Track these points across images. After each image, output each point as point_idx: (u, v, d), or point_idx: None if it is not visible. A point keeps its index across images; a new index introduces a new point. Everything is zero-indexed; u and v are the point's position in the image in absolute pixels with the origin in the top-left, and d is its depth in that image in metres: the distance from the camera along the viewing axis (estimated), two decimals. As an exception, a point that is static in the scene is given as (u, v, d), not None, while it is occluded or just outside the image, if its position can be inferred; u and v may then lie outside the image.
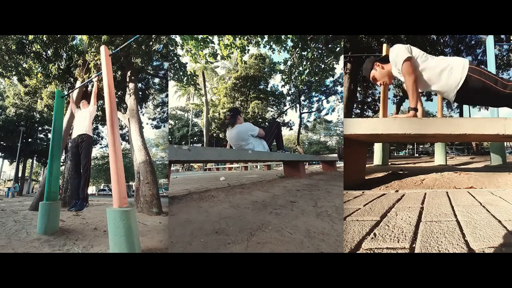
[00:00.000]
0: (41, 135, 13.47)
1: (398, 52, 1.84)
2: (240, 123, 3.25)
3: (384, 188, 2.04)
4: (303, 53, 7.16)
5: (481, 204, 1.22)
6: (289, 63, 8.06)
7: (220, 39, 6.22)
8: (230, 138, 3.23)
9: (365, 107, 15.73)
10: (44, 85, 6.36)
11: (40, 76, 6.07)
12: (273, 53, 15.95)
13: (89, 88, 6.02)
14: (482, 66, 2.03)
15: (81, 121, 2.87)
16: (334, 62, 7.48)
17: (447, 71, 1.80)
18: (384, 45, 3.08)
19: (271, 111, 20.86)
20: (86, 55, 5.41)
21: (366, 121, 1.81)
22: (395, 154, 21.45)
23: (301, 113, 19.33)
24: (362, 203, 1.32)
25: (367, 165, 2.70)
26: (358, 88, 10.84)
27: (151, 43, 6.00)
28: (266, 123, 17.35)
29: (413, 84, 1.76)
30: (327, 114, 21.76)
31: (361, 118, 1.91)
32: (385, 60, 2.01)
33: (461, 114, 15.78)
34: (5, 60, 5.97)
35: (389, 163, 4.71)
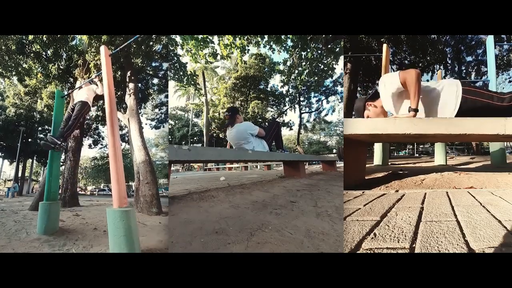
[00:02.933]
0: (41, 135, 13.46)
1: (389, 76, 1.86)
2: (239, 122, 3.25)
3: (384, 188, 2.04)
4: (302, 53, 7.16)
5: (481, 204, 1.22)
6: (288, 63, 8.06)
7: (220, 39, 6.22)
8: (230, 138, 3.23)
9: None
10: (44, 85, 6.36)
11: (40, 76, 6.07)
12: (273, 53, 15.94)
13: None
14: (482, 67, 2.04)
15: (81, 93, 2.91)
16: (334, 62, 7.49)
17: (442, 97, 1.80)
18: (384, 45, 3.08)
19: (271, 111, 20.87)
20: (86, 55, 5.42)
21: (366, 121, 1.81)
22: (395, 154, 21.44)
23: (301, 113, 19.35)
24: (362, 203, 1.32)
25: (367, 165, 2.70)
26: (358, 88, 10.84)
27: (151, 43, 6.00)
28: (266, 123, 17.34)
29: (416, 83, 1.75)
30: (327, 114, 21.77)
31: (361, 118, 1.91)
32: (375, 96, 2.02)
33: (461, 114, 15.74)
34: (5, 60, 5.97)
35: (389, 163, 4.71)
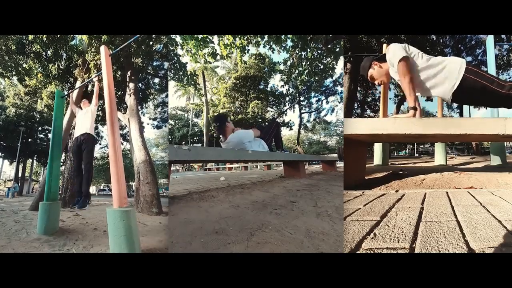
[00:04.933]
0: (41, 135, 13.47)
1: (395, 52, 1.83)
2: (230, 130, 3.05)
3: (384, 188, 2.04)
4: (302, 53, 7.16)
5: (481, 204, 1.22)
6: (288, 63, 8.06)
7: (220, 39, 6.22)
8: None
9: (365, 107, 15.72)
10: (44, 85, 6.36)
11: (40, 76, 6.07)
12: (273, 53, 15.96)
13: (89, 88, 6.03)
14: (482, 67, 2.04)
15: (83, 120, 2.84)
16: (334, 62, 7.49)
17: (444, 72, 1.79)
18: (384, 45, 3.08)
19: (271, 111, 20.87)
20: (86, 55, 5.42)
21: (366, 121, 1.81)
22: (395, 154, 21.44)
23: (301, 113, 19.34)
24: (362, 203, 1.32)
25: (367, 165, 2.70)
26: (358, 88, 10.84)
27: (151, 43, 6.00)
28: (266, 123, 17.35)
29: (409, 84, 1.76)
30: (326, 114, 21.74)
31: (361, 118, 1.91)
32: (383, 58, 2.01)
33: (461, 114, 15.78)
34: (5, 60, 5.97)
35: (389, 163, 4.71)
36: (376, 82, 2.10)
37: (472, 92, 1.75)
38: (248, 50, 6.56)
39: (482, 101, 1.89)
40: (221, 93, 19.13)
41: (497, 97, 1.71)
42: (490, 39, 4.30)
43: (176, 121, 26.20)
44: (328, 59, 7.35)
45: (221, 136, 3.10)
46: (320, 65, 7.54)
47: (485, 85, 1.71)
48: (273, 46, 6.79)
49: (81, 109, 2.98)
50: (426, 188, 1.96)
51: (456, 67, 1.77)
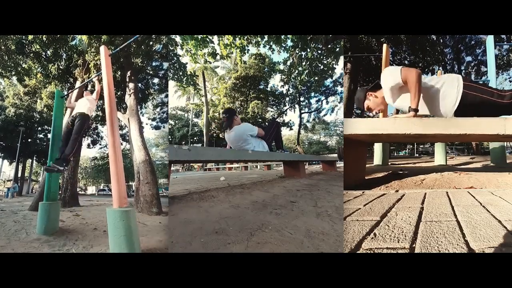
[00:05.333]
0: (41, 135, 13.47)
1: (391, 69, 1.85)
2: (237, 123, 3.18)
3: (384, 188, 2.04)
4: (302, 53, 7.16)
5: (481, 204, 1.22)
6: (288, 63, 8.06)
7: (220, 39, 6.23)
8: (229, 140, 3.17)
9: (365, 107, 15.69)
10: (44, 85, 6.36)
11: (40, 76, 6.08)
12: (273, 53, 15.96)
13: (89, 88, 6.03)
14: (482, 67, 2.04)
15: (83, 103, 2.83)
16: (334, 62, 7.49)
17: (442, 92, 1.80)
18: (384, 45, 3.08)
19: (271, 111, 20.87)
20: (86, 55, 5.42)
21: (366, 121, 1.81)
22: (395, 154, 21.44)
23: (301, 113, 19.35)
24: (362, 203, 1.32)
25: (367, 165, 2.70)
26: (358, 88, 10.84)
27: (151, 43, 6.00)
28: (266, 123, 17.35)
29: (417, 83, 1.75)
30: (326, 114, 21.75)
31: (361, 118, 1.92)
32: (377, 87, 2.01)
33: (461, 114, 15.74)
34: (4, 60, 5.97)
35: (389, 163, 4.71)
36: (373, 112, 2.10)
37: (473, 107, 1.75)
38: (248, 50, 6.57)
39: (483, 113, 1.89)
40: (221, 93, 19.14)
41: (498, 108, 1.72)
42: (490, 39, 4.31)
43: (176, 121, 26.21)
44: (328, 59, 7.35)
45: (227, 127, 3.17)
46: (320, 65, 7.54)
47: (485, 98, 1.72)
48: (273, 46, 6.79)
49: (83, 97, 2.95)
50: (426, 188, 1.96)
51: (454, 84, 1.77)
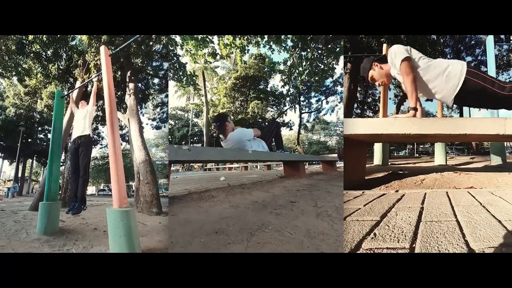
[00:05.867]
0: (41, 135, 13.47)
1: (396, 52, 1.83)
2: (231, 129, 3.03)
3: (384, 188, 2.04)
4: (302, 53, 7.16)
5: (481, 204, 1.22)
6: (288, 63, 8.06)
7: (220, 38, 6.23)
8: (227, 148, 3.03)
9: (365, 107, 15.72)
10: (44, 85, 6.36)
11: (40, 76, 6.08)
12: (273, 53, 15.96)
13: (89, 88, 6.03)
14: (482, 67, 2.04)
15: (80, 121, 2.80)
16: (334, 62, 7.49)
17: (445, 75, 1.79)
18: (384, 45, 3.08)
19: (271, 111, 20.86)
20: (86, 55, 5.42)
21: (366, 121, 1.81)
22: (395, 154, 21.43)
23: (301, 113, 19.34)
24: (362, 203, 1.32)
25: (367, 165, 2.70)
26: (358, 88, 10.85)
27: (151, 43, 6.00)
28: (266, 123, 17.34)
29: (411, 84, 1.76)
30: (326, 114, 21.76)
31: (361, 118, 1.91)
32: (384, 60, 2.00)
33: (461, 114, 15.77)
34: (5, 60, 5.97)
35: (389, 163, 4.71)
36: (376, 83, 2.09)
37: (473, 94, 1.76)
38: (248, 50, 6.57)
39: (483, 103, 1.89)
40: (221, 93, 19.14)
41: (498, 98, 1.72)
42: (490, 39, 4.31)
43: (176, 121, 26.20)
44: (328, 59, 7.35)
45: (221, 135, 3.06)
46: (320, 65, 7.54)
47: (486, 87, 1.72)
48: (273, 46, 6.79)
49: (78, 109, 2.93)
50: (426, 188, 1.96)
51: (457, 69, 1.77)
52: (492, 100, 1.77)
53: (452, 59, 1.92)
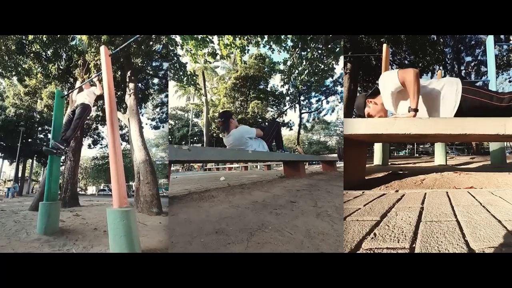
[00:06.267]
0: (41, 135, 13.47)
1: (388, 74, 1.86)
2: (234, 126, 3.13)
3: (384, 188, 2.04)
4: (302, 53, 7.16)
5: (481, 204, 1.22)
6: (288, 63, 8.06)
7: (220, 38, 6.23)
8: (228, 145, 3.12)
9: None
10: (44, 85, 6.36)
11: (40, 76, 6.08)
12: (273, 53, 15.97)
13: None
14: (482, 67, 2.05)
15: (83, 95, 2.93)
16: (334, 62, 7.49)
17: (441, 96, 1.80)
18: (384, 45, 3.08)
19: (271, 111, 20.86)
20: (86, 55, 5.42)
21: (366, 121, 1.81)
22: (395, 154, 21.43)
23: (301, 113, 19.34)
24: (362, 203, 1.32)
25: (367, 165, 2.70)
26: (358, 88, 10.85)
27: (151, 43, 6.00)
28: (266, 123, 17.34)
29: (415, 84, 1.75)
30: (326, 114, 21.77)
31: (361, 118, 1.91)
32: (375, 93, 2.02)
33: (461, 114, 15.73)
34: (5, 60, 5.97)
35: (389, 163, 4.71)
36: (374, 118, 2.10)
37: (473, 110, 1.76)
38: (248, 50, 6.57)
39: (483, 116, 1.90)
40: (221, 93, 19.13)
41: (498, 110, 1.73)
42: (490, 39, 4.31)
43: (176, 121, 26.20)
44: (328, 59, 7.35)
45: (224, 131, 3.14)
46: (320, 65, 7.54)
47: (485, 102, 1.73)
48: (273, 46, 6.79)
49: (83, 90, 3.04)
50: (426, 188, 1.96)
51: (453, 88, 1.78)
52: (491, 114, 1.76)
53: (447, 78, 1.93)
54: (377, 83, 2.16)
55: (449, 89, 1.79)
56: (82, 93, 3.01)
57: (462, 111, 1.76)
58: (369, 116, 2.09)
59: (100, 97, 3.28)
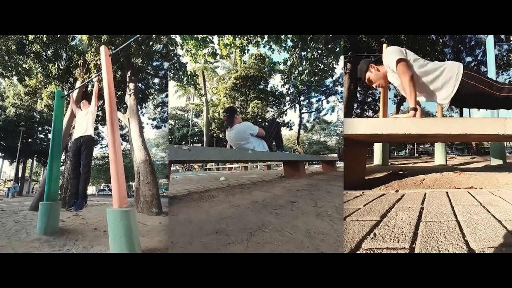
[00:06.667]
0: (41, 135, 13.47)
1: (392, 54, 1.84)
2: (238, 122, 3.20)
3: (384, 188, 2.04)
4: (302, 53, 7.16)
5: (481, 204, 1.22)
6: (288, 63, 8.06)
7: (220, 38, 6.23)
8: (230, 139, 3.19)
9: (365, 107, 15.71)
10: (44, 85, 6.36)
11: (40, 76, 6.07)
12: (273, 53, 15.97)
13: (89, 88, 6.03)
14: (482, 67, 2.04)
15: (83, 121, 2.86)
16: (334, 62, 7.49)
17: (441, 78, 1.79)
18: (384, 45, 3.08)
19: (271, 111, 20.86)
20: (86, 55, 5.41)
21: (366, 121, 1.81)
22: (395, 154, 21.43)
23: (301, 113, 19.34)
24: (362, 203, 1.32)
25: (367, 165, 2.70)
26: (358, 88, 10.85)
27: (151, 43, 6.00)
28: (266, 123, 17.34)
29: (409, 84, 1.75)
30: (326, 114, 21.77)
31: (361, 118, 1.91)
32: (381, 61, 2.00)
33: (461, 114, 15.77)
34: (5, 60, 5.97)
35: (389, 163, 4.71)
36: (374, 85, 2.09)
37: (471, 97, 1.76)
38: (248, 50, 6.57)
39: (481, 104, 1.89)
40: (221, 93, 19.13)
41: (496, 100, 1.72)
42: (490, 39, 4.31)
43: (176, 121, 26.20)
44: (328, 59, 7.35)
45: (228, 126, 3.19)
46: (320, 65, 7.54)
47: (484, 90, 1.72)
48: (273, 46, 6.79)
49: (81, 109, 2.99)
50: (426, 188, 1.96)
51: (453, 72, 1.77)
52: (490, 102, 1.77)
53: (449, 61, 1.91)
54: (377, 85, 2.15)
55: (450, 72, 1.78)
56: (81, 115, 2.92)
57: (461, 95, 1.75)
58: (369, 81, 2.05)
59: (100, 97, 3.27)
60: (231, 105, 18.38)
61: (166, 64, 7.64)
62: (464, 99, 1.77)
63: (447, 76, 1.78)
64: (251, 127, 3.13)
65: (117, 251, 1.58)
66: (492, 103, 1.79)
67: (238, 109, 18.49)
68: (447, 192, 1.56)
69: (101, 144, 12.90)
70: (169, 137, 24.99)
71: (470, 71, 1.78)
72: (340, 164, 5.93)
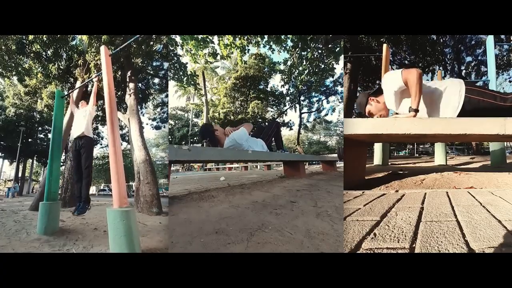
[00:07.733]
0: (41, 135, 13.47)
1: (393, 72, 1.86)
2: (221, 135, 2.89)
3: (384, 188, 2.04)
4: (303, 53, 7.17)
5: (481, 204, 1.22)
6: (289, 63, 8.07)
7: (220, 39, 6.23)
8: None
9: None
10: (44, 85, 6.36)
11: (40, 76, 6.07)
12: (273, 53, 15.98)
13: (89, 88, 6.03)
14: (482, 67, 2.05)
15: (80, 121, 2.84)
16: (334, 62, 7.50)
17: (444, 98, 1.80)
18: (384, 45, 3.08)
19: (271, 111, 20.87)
20: (86, 55, 5.41)
21: (366, 121, 1.81)
22: (395, 154, 21.43)
23: (301, 113, 19.34)
24: (362, 203, 1.32)
25: (367, 165, 2.70)
26: (358, 88, 10.86)
27: (151, 43, 6.00)
28: (266, 123, 17.33)
29: (418, 80, 1.75)
30: (326, 114, 21.78)
31: (361, 118, 1.91)
32: (378, 92, 2.02)
33: (461, 114, 15.71)
34: (5, 60, 5.97)
35: (389, 163, 4.71)
36: (375, 117, 2.10)
37: (476, 111, 1.76)
38: (248, 50, 6.57)
39: (487, 116, 1.89)
40: (221, 93, 19.14)
41: (502, 110, 1.72)
42: (490, 39, 4.31)
43: (176, 121, 26.19)
44: (328, 59, 7.36)
45: (217, 144, 2.90)
46: (320, 65, 7.55)
47: (488, 103, 1.72)
48: (273, 46, 6.80)
49: (79, 109, 2.98)
50: (426, 188, 1.96)
51: (456, 89, 1.78)
52: (495, 114, 1.76)
53: (450, 79, 1.93)
54: (380, 83, 2.16)
55: (452, 90, 1.79)
56: (78, 114, 2.89)
57: (466, 112, 1.76)
58: (370, 114, 2.09)
59: (100, 97, 3.26)
60: (231, 105, 18.34)
61: (166, 64, 7.64)
62: (469, 115, 1.77)
63: (449, 94, 1.79)
64: (239, 137, 2.83)
65: (117, 251, 1.58)
66: (497, 115, 1.79)
67: (238, 109, 18.51)
68: (447, 192, 1.56)
69: (101, 144, 12.89)
70: (169, 137, 24.98)
71: (472, 86, 1.78)
72: (340, 164, 5.93)
